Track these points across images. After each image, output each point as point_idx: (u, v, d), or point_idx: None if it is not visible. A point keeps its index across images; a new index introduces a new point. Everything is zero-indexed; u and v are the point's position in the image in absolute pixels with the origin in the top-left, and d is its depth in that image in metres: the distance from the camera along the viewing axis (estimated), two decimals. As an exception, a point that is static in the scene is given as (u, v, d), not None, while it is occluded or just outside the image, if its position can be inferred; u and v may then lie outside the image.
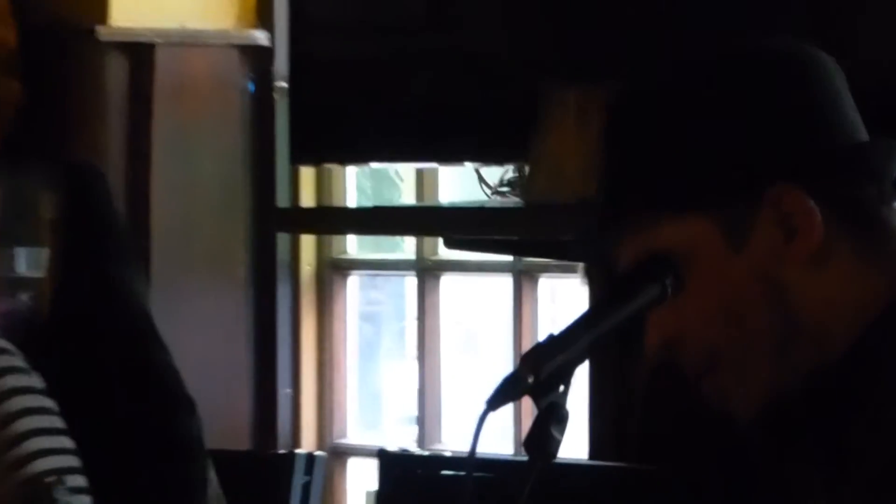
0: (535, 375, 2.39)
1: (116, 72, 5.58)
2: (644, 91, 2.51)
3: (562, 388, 2.40)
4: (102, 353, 3.35)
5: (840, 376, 2.43)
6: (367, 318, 5.96)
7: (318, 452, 5.38)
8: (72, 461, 2.93)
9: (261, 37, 5.64)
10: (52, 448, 2.92)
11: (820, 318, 2.44)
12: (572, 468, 4.46)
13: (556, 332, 2.44)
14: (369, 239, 5.89)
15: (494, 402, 2.38)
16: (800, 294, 2.43)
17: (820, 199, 2.40)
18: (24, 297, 5.24)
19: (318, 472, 5.13)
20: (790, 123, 2.43)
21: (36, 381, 2.92)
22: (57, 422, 2.92)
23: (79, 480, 2.89)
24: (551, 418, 2.40)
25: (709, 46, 2.50)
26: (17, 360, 2.93)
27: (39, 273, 5.28)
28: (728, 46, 2.51)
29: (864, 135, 2.47)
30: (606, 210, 2.50)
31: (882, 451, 2.36)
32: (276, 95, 5.59)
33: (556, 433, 2.39)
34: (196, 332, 5.26)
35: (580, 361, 2.44)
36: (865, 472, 2.37)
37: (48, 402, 2.93)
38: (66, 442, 2.92)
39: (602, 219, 2.51)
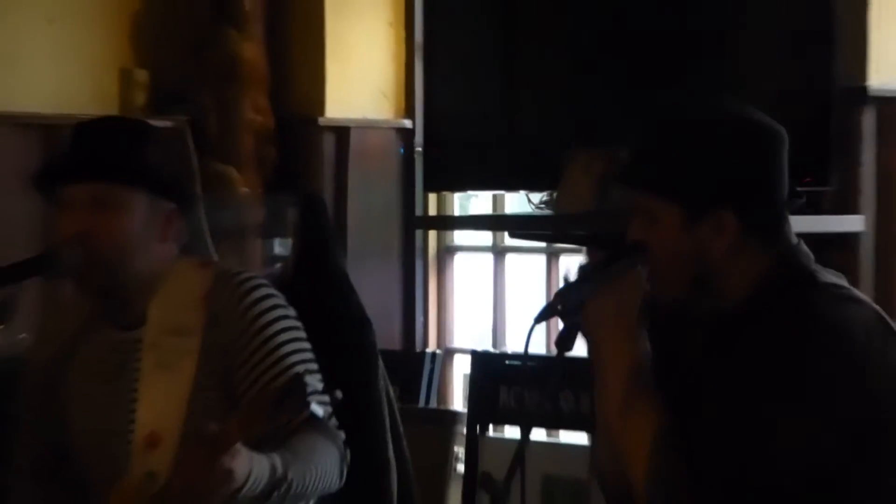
0: (563, 305, 2.40)
1: (328, 143, 5.59)
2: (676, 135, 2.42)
3: (577, 311, 2.40)
4: (322, 295, 3.31)
5: (736, 313, 2.40)
6: (464, 281, 5.91)
7: (437, 351, 5.39)
8: (312, 357, 2.90)
9: (407, 123, 5.65)
10: (303, 349, 2.91)
11: (729, 279, 2.41)
12: (579, 360, 4.42)
13: (572, 281, 2.46)
14: (466, 232, 5.85)
15: (538, 319, 2.40)
16: (719, 262, 2.39)
17: (744, 221, 2.37)
18: (277, 266, 5.22)
19: (437, 362, 5.16)
20: (744, 181, 2.38)
21: (292, 311, 2.90)
22: (304, 334, 2.90)
23: (314, 368, 2.86)
24: (571, 329, 2.39)
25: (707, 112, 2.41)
26: (281, 300, 2.91)
27: (286, 252, 5.28)
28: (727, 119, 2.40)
29: (784, 181, 2.42)
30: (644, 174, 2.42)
31: (751, 346, 2.33)
32: (415, 156, 5.60)
33: (573, 338, 2.37)
34: (371, 284, 5.24)
35: (586, 296, 2.43)
36: (740, 354, 2.35)
37: (300, 324, 2.91)
38: (309, 346, 2.89)
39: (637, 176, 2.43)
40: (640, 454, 2.31)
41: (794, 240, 2.42)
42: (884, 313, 2.36)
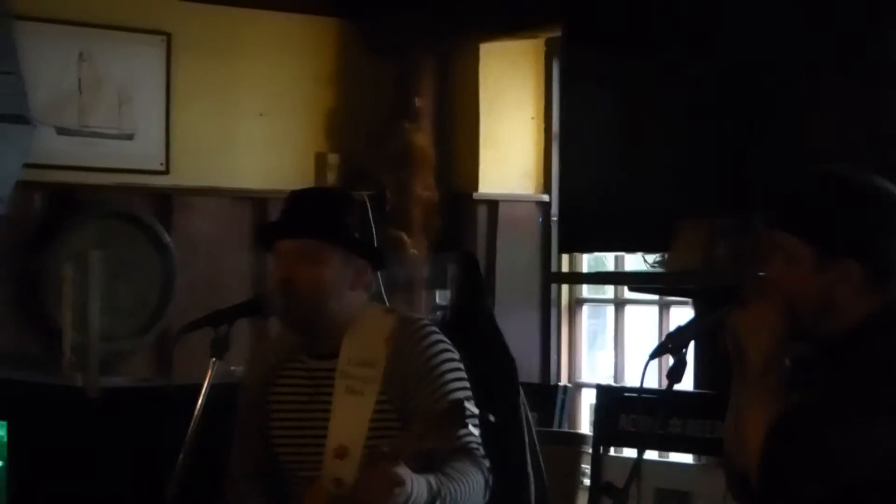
0: (672, 344, 2.33)
1: (482, 213, 5.65)
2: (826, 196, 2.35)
3: (684, 350, 2.32)
4: (475, 337, 3.30)
5: (844, 341, 2.33)
6: (591, 327, 5.87)
7: (568, 384, 5.36)
8: (470, 389, 2.89)
9: (545, 197, 5.67)
10: (464, 384, 2.90)
11: (845, 312, 2.34)
12: (686, 392, 4.37)
13: (681, 325, 2.37)
14: (592, 286, 5.81)
15: (652, 356, 2.35)
16: (840, 301, 2.34)
17: (866, 269, 2.31)
18: (438, 313, 5.21)
19: (568, 394, 5.12)
20: (871, 236, 2.32)
21: (456, 352, 2.91)
22: (464, 372, 2.90)
23: (471, 397, 2.84)
24: (679, 365, 2.32)
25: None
26: (448, 343, 2.93)
27: (446, 302, 5.25)
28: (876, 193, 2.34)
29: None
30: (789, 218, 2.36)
31: (857, 369, 2.28)
32: (552, 224, 5.59)
33: (682, 371, 2.32)
34: (515, 328, 5.23)
35: (692, 338, 2.35)
36: (846, 379, 2.27)
37: (461, 363, 2.91)
38: (467, 380, 2.88)
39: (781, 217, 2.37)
40: (756, 439, 2.25)
41: None
42: None
